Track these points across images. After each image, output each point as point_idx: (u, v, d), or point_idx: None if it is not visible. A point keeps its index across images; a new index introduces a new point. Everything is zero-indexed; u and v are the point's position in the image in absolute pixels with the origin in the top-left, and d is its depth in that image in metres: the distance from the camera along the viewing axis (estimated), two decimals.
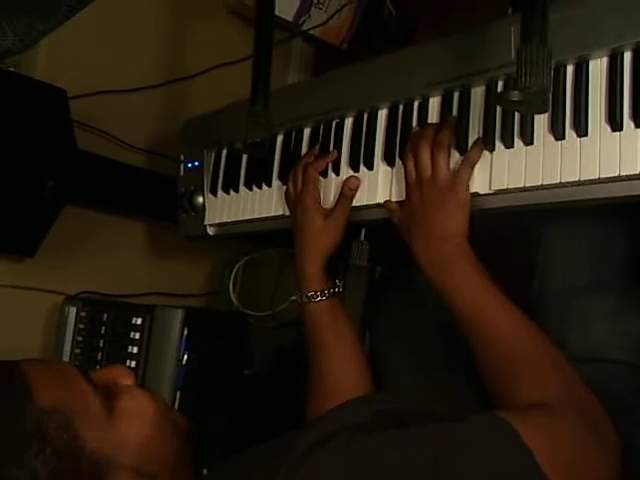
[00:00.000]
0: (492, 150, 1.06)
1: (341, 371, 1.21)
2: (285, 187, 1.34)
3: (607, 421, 0.88)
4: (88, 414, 0.81)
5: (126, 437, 0.83)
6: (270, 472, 0.78)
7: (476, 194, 1.07)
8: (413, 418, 0.87)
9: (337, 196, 1.24)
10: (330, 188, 1.27)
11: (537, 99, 0.78)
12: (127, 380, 0.92)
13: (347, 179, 1.23)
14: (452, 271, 1.04)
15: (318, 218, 1.24)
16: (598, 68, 0.98)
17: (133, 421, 0.85)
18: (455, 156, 1.09)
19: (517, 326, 0.98)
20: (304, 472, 0.77)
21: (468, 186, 1.06)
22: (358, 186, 1.22)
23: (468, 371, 1.06)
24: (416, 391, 1.12)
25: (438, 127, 1.11)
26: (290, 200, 1.31)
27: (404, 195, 1.15)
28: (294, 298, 1.28)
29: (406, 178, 1.13)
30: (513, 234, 1.47)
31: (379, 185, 1.20)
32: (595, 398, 0.91)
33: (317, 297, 1.22)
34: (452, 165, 1.08)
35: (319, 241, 1.23)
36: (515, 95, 0.78)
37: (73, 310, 1.76)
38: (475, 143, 1.08)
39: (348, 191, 1.22)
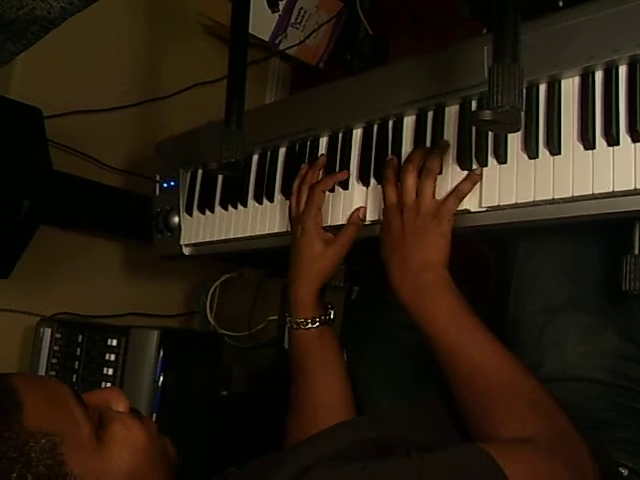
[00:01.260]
0: (467, 169, 1.06)
1: (324, 400, 1.18)
2: (261, 206, 1.35)
3: (588, 456, 0.87)
4: (76, 440, 0.80)
5: (113, 466, 0.82)
6: None
7: None
8: (395, 447, 0.87)
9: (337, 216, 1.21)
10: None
11: (509, 118, 0.78)
12: (121, 405, 0.90)
13: (358, 208, 1.19)
14: (431, 302, 1.01)
15: (318, 244, 1.18)
16: (570, 87, 0.98)
17: (122, 451, 0.84)
18: (456, 170, 1.07)
19: (499, 362, 0.96)
20: None
21: (452, 217, 1.04)
22: (366, 216, 1.18)
23: (441, 387, 1.06)
24: (393, 413, 1.11)
25: (428, 151, 1.09)
26: (291, 217, 1.26)
27: (379, 216, 1.15)
28: (272, 318, 1.26)
29: (385, 202, 1.11)
30: (488, 253, 1.47)
31: (354, 205, 1.19)
32: (577, 433, 0.89)
33: (307, 324, 1.18)
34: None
35: (316, 268, 1.18)
36: (487, 114, 0.78)
37: (48, 331, 1.75)
38: (468, 175, 1.05)
39: (357, 220, 1.18)
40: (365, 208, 1.18)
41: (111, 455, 0.82)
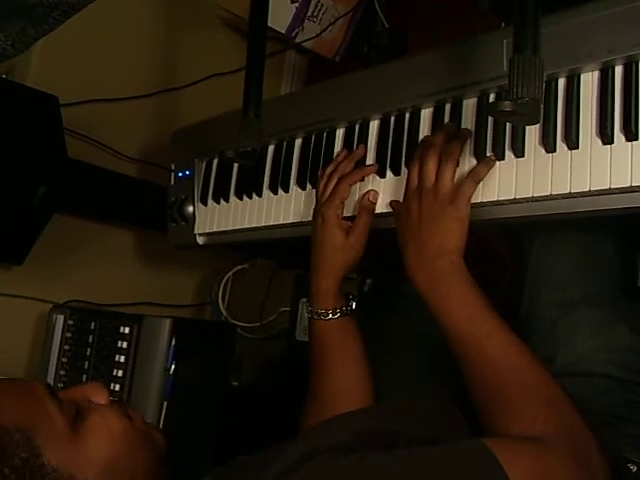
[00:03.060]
0: None
1: (343, 390, 1.16)
2: (275, 197, 1.36)
3: (598, 455, 0.86)
4: (51, 432, 0.82)
5: (90, 455, 0.84)
6: None
7: None
8: (399, 439, 0.87)
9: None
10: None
11: (529, 110, 0.78)
12: (100, 398, 0.92)
13: (367, 191, 1.18)
14: (445, 290, 1.00)
15: (339, 234, 1.17)
16: (589, 81, 0.98)
17: (99, 440, 0.86)
18: (473, 163, 1.07)
19: (513, 356, 0.95)
20: None
21: (469, 201, 1.02)
22: (377, 199, 1.18)
23: (453, 382, 1.06)
24: (400, 405, 1.11)
25: (450, 136, 1.08)
26: (316, 205, 1.24)
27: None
28: (284, 309, 1.26)
29: (407, 185, 1.09)
30: (503, 248, 1.46)
31: None
32: (588, 431, 0.88)
33: (328, 315, 1.17)
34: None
35: (338, 258, 1.17)
36: (507, 105, 0.78)
37: (61, 318, 1.75)
38: (485, 160, 1.04)
39: (369, 204, 1.17)
40: (375, 192, 1.18)
41: (88, 444, 0.84)
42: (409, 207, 1.06)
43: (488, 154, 1.05)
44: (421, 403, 1.08)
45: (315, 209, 1.23)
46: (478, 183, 1.03)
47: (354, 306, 1.20)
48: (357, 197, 1.20)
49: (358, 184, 1.21)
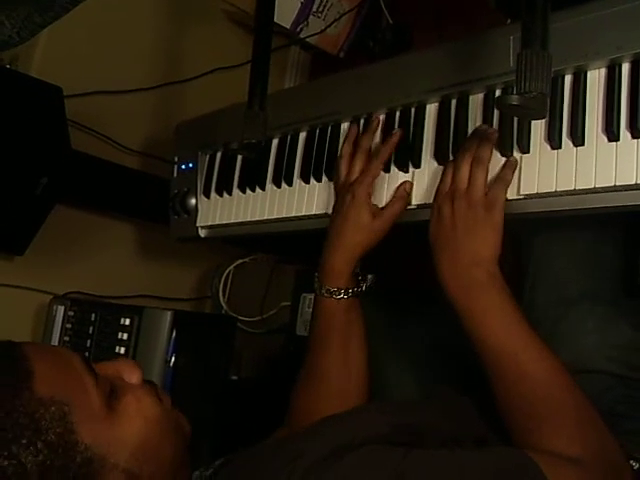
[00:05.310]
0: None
1: (341, 375, 1.15)
2: (279, 190, 1.35)
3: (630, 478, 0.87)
4: (86, 409, 0.79)
5: (124, 437, 0.81)
6: (280, 476, 0.78)
7: None
8: (428, 436, 0.87)
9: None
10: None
11: (536, 104, 0.78)
12: (133, 377, 0.89)
13: (404, 182, 1.15)
14: (481, 300, 0.98)
15: (366, 215, 1.13)
16: (596, 78, 0.98)
17: (133, 421, 0.83)
18: (497, 156, 1.05)
19: (550, 373, 0.93)
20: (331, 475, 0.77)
21: (503, 208, 1.00)
22: (411, 189, 1.15)
23: (455, 383, 1.05)
24: (423, 403, 1.10)
25: (480, 140, 1.05)
26: (339, 184, 1.21)
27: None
28: (285, 304, 1.25)
29: (439, 187, 1.07)
30: (504, 245, 1.46)
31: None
32: (622, 455, 0.88)
33: (339, 294, 1.14)
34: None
35: (358, 239, 1.14)
36: (514, 99, 0.78)
37: (61, 309, 1.76)
38: (507, 162, 1.03)
39: (404, 194, 1.14)
40: (410, 182, 1.15)
41: (122, 425, 0.82)
42: (441, 211, 1.04)
43: (494, 149, 1.05)
44: (439, 402, 1.09)
45: (339, 185, 1.21)
46: (507, 187, 1.01)
47: (364, 288, 1.18)
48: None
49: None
